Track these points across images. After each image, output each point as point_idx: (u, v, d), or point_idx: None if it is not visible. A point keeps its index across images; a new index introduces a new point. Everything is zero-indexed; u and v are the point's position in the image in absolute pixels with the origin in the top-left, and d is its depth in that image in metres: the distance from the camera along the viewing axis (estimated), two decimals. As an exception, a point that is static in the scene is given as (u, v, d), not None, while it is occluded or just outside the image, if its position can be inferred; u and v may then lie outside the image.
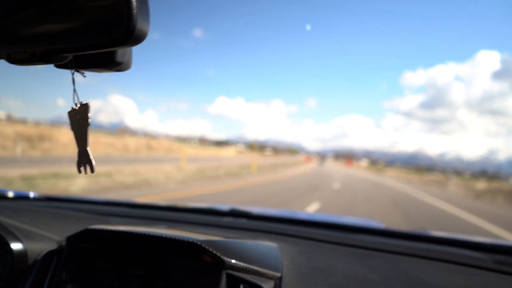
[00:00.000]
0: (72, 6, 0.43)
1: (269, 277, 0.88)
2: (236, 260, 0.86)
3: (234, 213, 1.60)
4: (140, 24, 0.42)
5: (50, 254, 1.01)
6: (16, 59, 0.49)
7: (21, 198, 1.68)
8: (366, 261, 1.09)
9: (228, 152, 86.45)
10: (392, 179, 44.31)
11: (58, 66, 0.53)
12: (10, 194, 1.65)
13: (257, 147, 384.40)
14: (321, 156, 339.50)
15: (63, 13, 0.44)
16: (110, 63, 0.52)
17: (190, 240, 0.88)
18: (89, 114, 0.55)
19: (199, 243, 0.86)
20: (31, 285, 0.96)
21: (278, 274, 0.90)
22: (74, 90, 0.55)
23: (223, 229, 1.38)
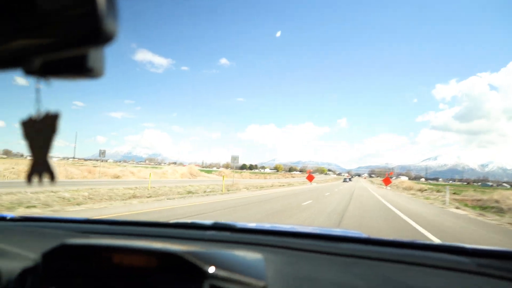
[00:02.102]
0: (38, 7, 0.40)
1: (254, 287, 0.84)
2: (218, 270, 0.82)
3: (217, 227, 1.53)
4: (108, 23, 0.40)
5: (24, 272, 0.95)
6: None
7: None
8: (351, 268, 1.07)
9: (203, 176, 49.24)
10: None
11: (27, 73, 0.48)
12: None
13: (285, 169, 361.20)
14: (350, 174, 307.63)
15: (28, 13, 0.41)
16: (81, 68, 0.48)
17: (171, 252, 0.83)
18: (58, 124, 0.51)
19: (180, 254, 0.82)
20: None
21: (263, 283, 0.87)
22: (38, 99, 0.51)
23: (206, 243, 1.34)
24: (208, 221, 1.61)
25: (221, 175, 70.70)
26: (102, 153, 29.65)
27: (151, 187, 19.71)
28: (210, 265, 0.81)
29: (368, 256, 1.16)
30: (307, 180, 51.08)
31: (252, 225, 1.67)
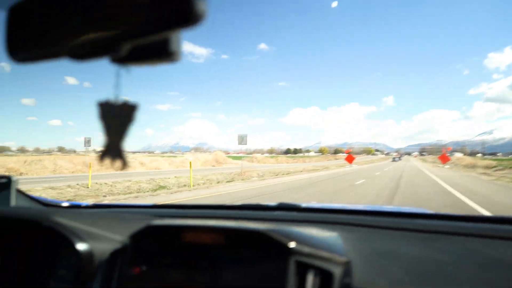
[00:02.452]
0: None
1: (337, 262, 0.84)
2: (301, 246, 0.82)
3: (283, 207, 1.52)
4: (197, 3, 0.39)
5: (115, 253, 1.01)
6: (76, 55, 0.47)
7: (74, 207, 1.73)
8: (431, 243, 1.04)
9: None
10: None
11: (113, 61, 0.49)
12: (64, 204, 1.72)
13: (330, 151, 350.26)
14: (399, 153, 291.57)
15: (117, 2, 0.42)
16: (164, 52, 0.47)
17: (254, 230, 0.85)
18: (135, 115, 0.52)
19: (263, 231, 0.84)
20: (100, 285, 0.96)
21: (345, 259, 0.86)
22: (117, 85, 0.51)
23: (275, 222, 1.31)
24: (272, 202, 1.60)
25: (252, 161, 64.64)
26: (87, 141, 24.65)
27: (107, 184, 13.83)
28: (293, 241, 0.81)
29: (447, 231, 1.11)
30: (348, 161, 43.67)
31: (317, 204, 1.62)
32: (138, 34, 0.43)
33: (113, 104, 0.51)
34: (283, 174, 23.81)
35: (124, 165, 0.52)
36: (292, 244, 0.80)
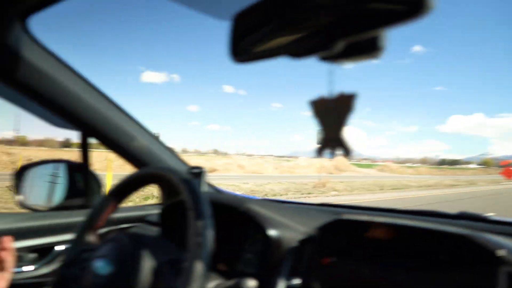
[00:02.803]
0: None
1: None
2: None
3: (466, 217, 1.33)
4: None
5: (302, 242, 1.03)
6: (293, 53, 0.49)
7: None
8: None
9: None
10: None
11: (322, 58, 0.49)
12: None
13: (496, 163, 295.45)
14: None
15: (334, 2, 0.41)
16: (373, 48, 0.44)
17: (456, 233, 0.82)
18: (353, 104, 0.53)
19: (468, 235, 0.80)
20: (288, 272, 0.97)
21: None
22: (330, 81, 0.51)
23: None
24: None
25: (383, 170, 56.13)
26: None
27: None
28: (503, 249, 0.74)
29: None
30: (505, 176, 32.75)
31: (506, 218, 1.41)
32: (354, 32, 0.41)
33: (328, 98, 0.52)
34: (389, 189, 17.58)
35: (347, 153, 0.53)
36: (503, 252, 0.73)
